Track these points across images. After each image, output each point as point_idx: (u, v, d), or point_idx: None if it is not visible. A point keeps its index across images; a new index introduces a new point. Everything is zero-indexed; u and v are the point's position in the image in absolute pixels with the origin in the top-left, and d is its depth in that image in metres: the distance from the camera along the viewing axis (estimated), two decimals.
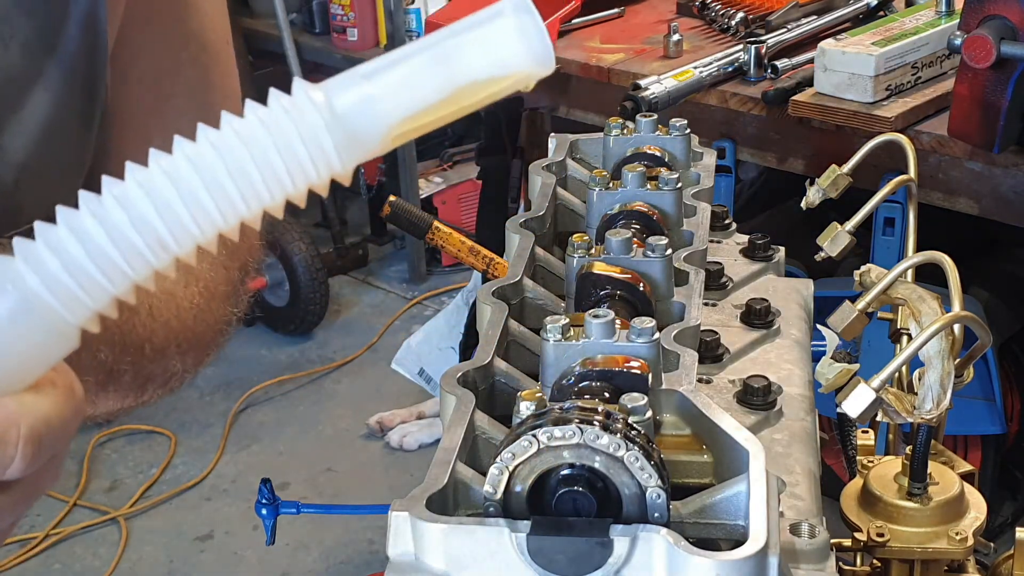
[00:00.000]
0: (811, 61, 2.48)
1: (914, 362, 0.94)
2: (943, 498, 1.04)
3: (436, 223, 2.64)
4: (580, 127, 2.65)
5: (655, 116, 1.09)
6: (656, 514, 0.65)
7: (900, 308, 1.00)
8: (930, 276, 1.03)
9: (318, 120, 0.53)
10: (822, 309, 1.08)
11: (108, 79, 0.98)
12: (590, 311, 0.77)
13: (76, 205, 0.54)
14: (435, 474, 0.68)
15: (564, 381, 0.74)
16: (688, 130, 1.09)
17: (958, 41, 2.08)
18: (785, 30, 2.68)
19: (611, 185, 0.99)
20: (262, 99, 0.54)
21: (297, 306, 4.06)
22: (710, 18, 2.87)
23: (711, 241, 1.10)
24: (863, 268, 1.03)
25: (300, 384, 3.89)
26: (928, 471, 1.05)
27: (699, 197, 1.05)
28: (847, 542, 1.04)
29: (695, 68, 2.50)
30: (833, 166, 1.19)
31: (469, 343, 3.11)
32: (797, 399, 0.94)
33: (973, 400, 2.56)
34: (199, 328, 1.01)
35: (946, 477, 1.06)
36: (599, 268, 0.87)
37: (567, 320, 0.77)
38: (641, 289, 0.87)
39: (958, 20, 2.16)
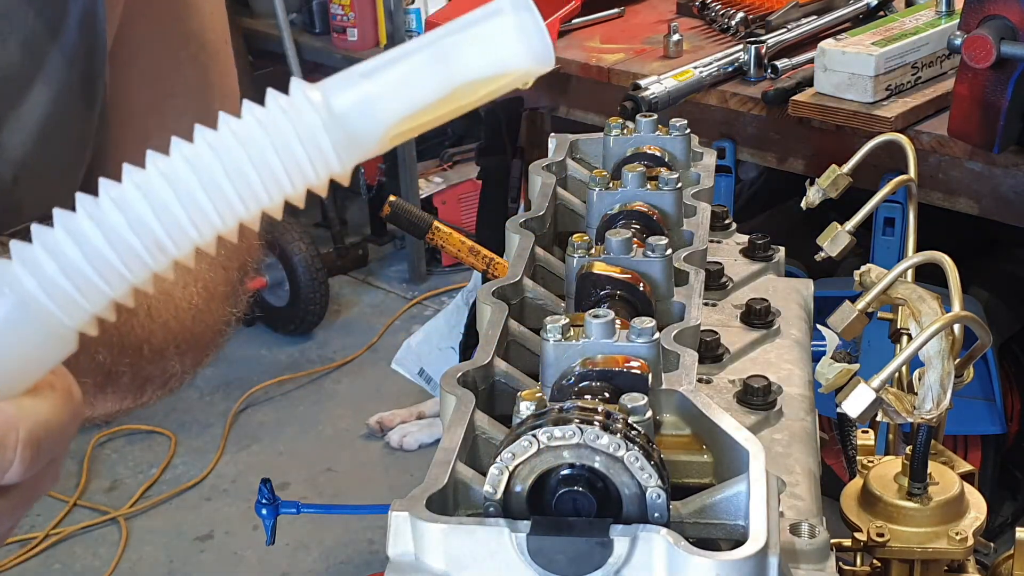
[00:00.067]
0: (811, 61, 2.48)
1: (914, 362, 0.94)
2: (943, 498, 1.04)
3: (436, 223, 2.64)
4: (580, 127, 2.65)
5: (655, 116, 1.09)
6: (656, 514, 0.65)
7: (900, 308, 1.00)
8: (930, 276, 1.03)
9: (316, 120, 0.53)
10: (822, 309, 1.08)
11: (107, 78, 0.98)
12: (590, 311, 0.77)
13: (73, 206, 0.54)
14: (435, 474, 0.68)
15: (564, 381, 0.74)
16: (688, 130, 1.09)
17: (958, 41, 2.08)
18: (785, 30, 2.68)
19: (611, 185, 0.99)
20: (262, 99, 0.54)
21: (297, 306, 4.06)
22: (710, 18, 2.87)
23: (711, 241, 1.09)
24: (863, 268, 1.03)
25: (300, 384, 3.89)
26: (928, 471, 1.04)
27: (699, 197, 1.05)
28: (847, 542, 1.04)
29: (695, 68, 2.50)
30: (833, 166, 1.19)
31: (469, 343, 3.11)
32: (797, 399, 0.94)
33: (973, 400, 2.56)
34: (198, 329, 1.01)
35: (946, 477, 1.06)
36: (599, 268, 0.87)
37: (567, 320, 0.77)
38: (641, 289, 0.87)
39: (958, 20, 2.16)
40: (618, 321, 0.76)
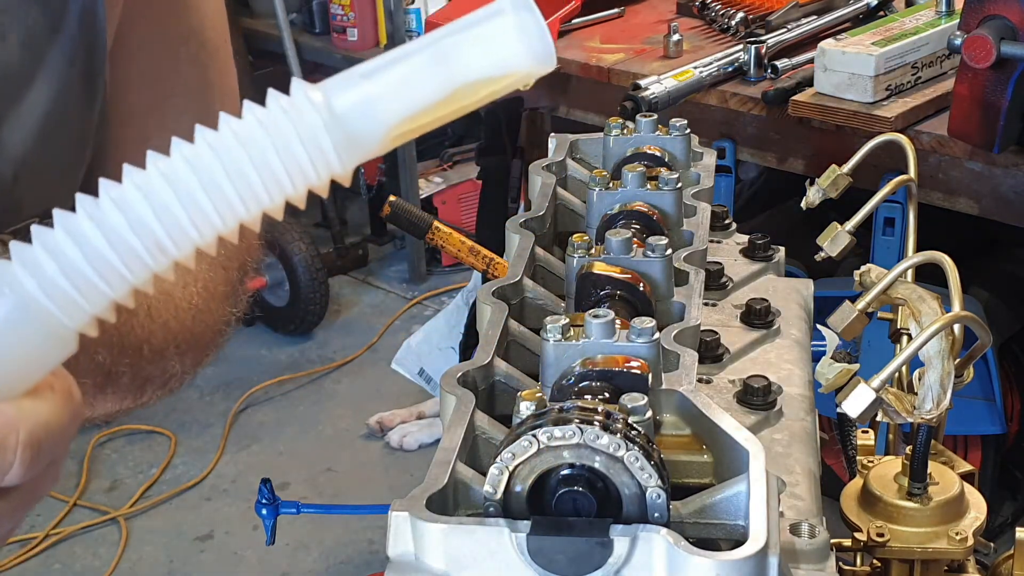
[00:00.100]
0: (811, 61, 2.48)
1: (914, 362, 0.94)
2: (943, 498, 1.04)
3: (436, 223, 2.64)
4: (580, 127, 2.65)
5: (655, 116, 1.09)
6: (656, 514, 0.65)
7: (900, 308, 1.00)
8: (930, 276, 1.03)
9: (317, 120, 0.53)
10: (822, 309, 1.08)
11: (107, 76, 0.97)
12: (590, 311, 0.77)
13: (73, 205, 0.54)
14: (435, 474, 0.68)
15: (564, 381, 0.74)
16: (688, 130, 1.09)
17: (958, 41, 2.08)
18: (785, 30, 2.68)
19: (611, 185, 0.99)
20: (262, 100, 0.54)
21: (297, 306, 4.06)
22: (710, 18, 2.87)
23: (711, 241, 1.09)
24: (863, 268, 1.03)
25: (300, 384, 3.89)
26: (928, 471, 1.05)
27: (699, 197, 1.05)
28: (847, 542, 1.04)
29: (695, 68, 2.50)
30: (833, 166, 1.19)
31: (469, 343, 3.10)
32: (797, 399, 0.94)
33: (973, 400, 2.56)
34: (198, 329, 1.01)
35: (946, 477, 1.06)
36: (599, 268, 0.87)
37: (567, 320, 0.77)
38: (641, 289, 0.87)
39: (958, 20, 2.16)
40: (618, 321, 0.76)
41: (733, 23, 2.80)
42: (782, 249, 1.13)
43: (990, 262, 2.91)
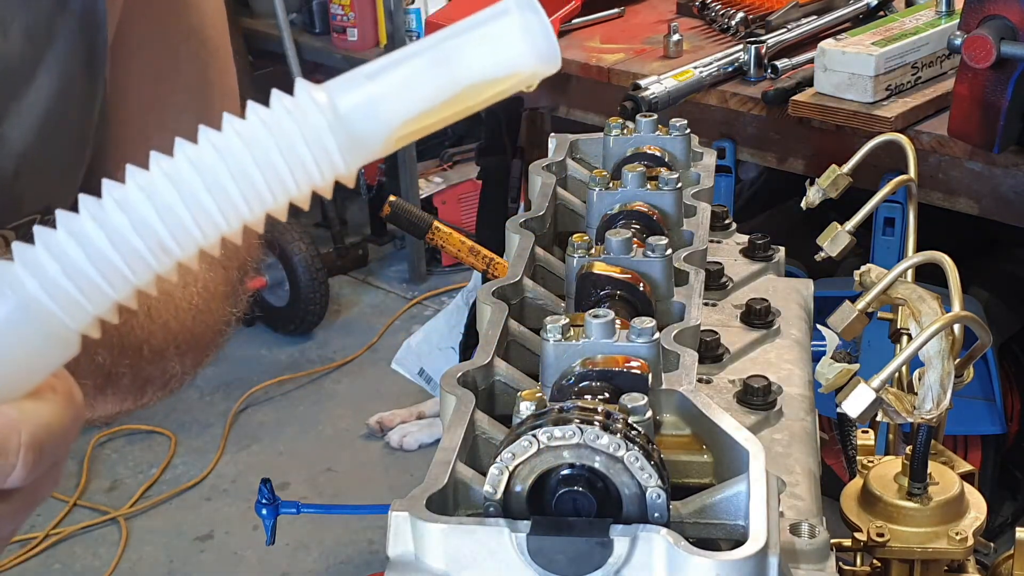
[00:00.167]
0: (811, 61, 2.48)
1: (914, 362, 0.94)
2: (943, 498, 1.04)
3: (436, 223, 2.64)
4: (580, 127, 2.65)
5: (655, 116, 1.09)
6: (656, 514, 0.65)
7: (900, 308, 1.00)
8: (930, 276, 1.03)
9: (321, 121, 0.53)
10: (822, 309, 1.08)
11: (107, 74, 0.97)
12: (590, 311, 0.77)
13: (74, 200, 0.54)
14: (435, 474, 0.68)
15: (564, 381, 0.74)
16: (688, 130, 1.09)
17: (958, 41, 2.08)
18: (785, 30, 2.68)
19: (611, 185, 0.99)
20: (262, 99, 0.54)
21: (297, 306, 4.06)
22: (710, 18, 2.87)
23: (711, 241, 1.10)
24: (863, 268, 1.03)
25: (300, 384, 3.89)
26: (928, 471, 1.05)
27: (699, 197, 1.05)
28: (847, 542, 1.04)
29: (695, 68, 2.50)
30: (833, 166, 1.19)
31: (469, 343, 3.11)
32: (797, 399, 0.94)
33: (973, 400, 2.56)
34: (198, 329, 1.01)
35: (946, 477, 1.06)
36: (599, 268, 0.87)
37: (567, 320, 0.77)
38: (641, 289, 0.87)
39: (958, 20, 2.16)
40: (618, 321, 0.77)
41: (733, 23, 2.80)
42: (782, 249, 1.13)
43: (990, 262, 2.91)
